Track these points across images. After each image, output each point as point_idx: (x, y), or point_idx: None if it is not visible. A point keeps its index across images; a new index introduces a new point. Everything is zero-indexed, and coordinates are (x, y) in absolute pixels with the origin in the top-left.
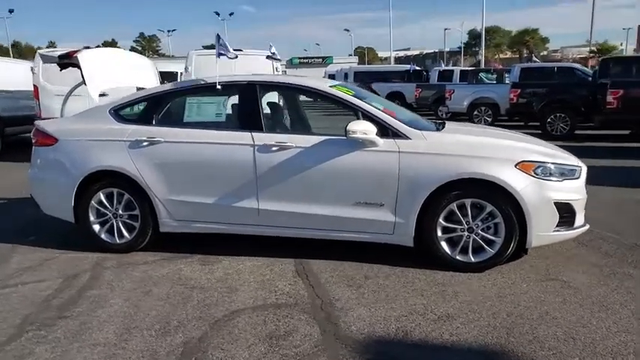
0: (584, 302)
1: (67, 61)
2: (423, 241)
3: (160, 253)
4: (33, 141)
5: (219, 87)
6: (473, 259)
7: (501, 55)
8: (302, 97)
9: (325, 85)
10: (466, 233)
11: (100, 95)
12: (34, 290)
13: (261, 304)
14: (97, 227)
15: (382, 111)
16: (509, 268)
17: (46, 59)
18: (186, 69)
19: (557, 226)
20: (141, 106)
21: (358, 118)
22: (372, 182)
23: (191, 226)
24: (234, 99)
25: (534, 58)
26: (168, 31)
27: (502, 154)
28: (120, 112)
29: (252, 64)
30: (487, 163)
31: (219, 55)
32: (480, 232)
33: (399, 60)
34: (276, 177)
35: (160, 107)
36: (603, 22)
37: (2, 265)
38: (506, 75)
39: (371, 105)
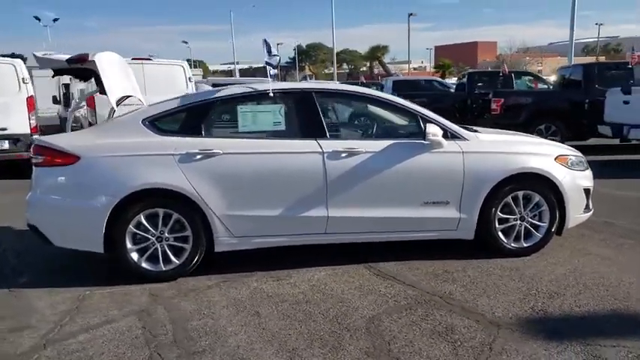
0: (620, 265)
1: (79, 65)
2: (482, 233)
3: (211, 276)
4: (35, 161)
5: (271, 94)
6: (524, 245)
7: (326, 70)
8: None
9: (379, 93)
10: (518, 222)
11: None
12: (115, 332)
13: (388, 307)
14: (135, 255)
15: None
16: (548, 251)
17: (43, 63)
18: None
19: (583, 209)
20: (180, 116)
21: (418, 124)
22: (439, 182)
23: (252, 241)
24: (290, 106)
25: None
26: None
27: (544, 150)
28: (156, 123)
29: (162, 74)
30: (536, 158)
31: (267, 64)
32: (529, 219)
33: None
34: (346, 183)
35: (207, 117)
36: (403, 43)
37: (31, 313)
38: None
39: (428, 111)
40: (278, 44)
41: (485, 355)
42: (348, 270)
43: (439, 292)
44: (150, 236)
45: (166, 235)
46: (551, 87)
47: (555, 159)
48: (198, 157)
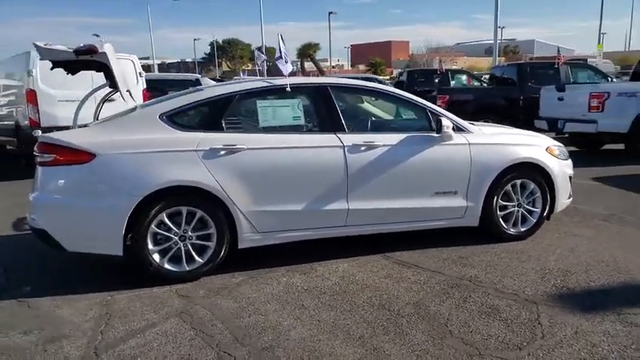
0: (595, 238)
1: (89, 57)
2: (485, 219)
3: (234, 273)
4: (42, 160)
5: (289, 89)
6: (521, 229)
7: (244, 67)
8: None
9: (389, 87)
10: (516, 208)
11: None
12: (166, 335)
13: (426, 292)
14: (157, 256)
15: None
16: (540, 234)
17: (45, 54)
18: (29, 73)
19: (568, 195)
20: (200, 111)
21: (427, 117)
22: (448, 172)
23: (275, 236)
24: (307, 101)
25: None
26: None
27: (537, 142)
28: (175, 119)
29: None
30: (532, 149)
31: (278, 59)
32: (525, 206)
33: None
34: (365, 176)
35: (227, 112)
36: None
37: (59, 322)
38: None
39: (434, 105)
40: (195, 39)
41: (538, 329)
42: (367, 260)
43: (465, 276)
44: (173, 235)
45: (189, 233)
46: (484, 84)
47: (546, 149)
48: (222, 152)
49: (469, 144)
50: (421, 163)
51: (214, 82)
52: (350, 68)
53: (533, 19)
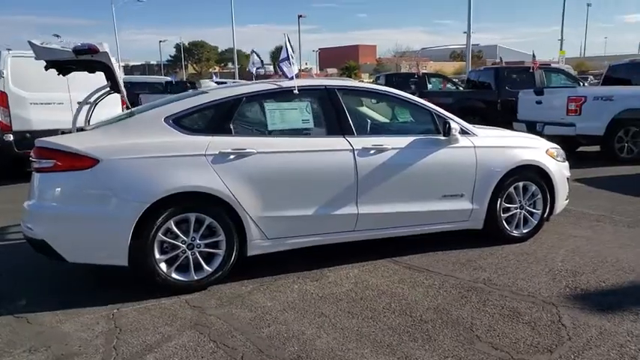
0: (594, 238)
1: (90, 57)
2: (489, 222)
3: (243, 281)
4: (40, 165)
5: (296, 92)
6: (523, 231)
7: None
8: None
9: (395, 90)
10: (518, 210)
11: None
12: (185, 349)
13: (443, 297)
14: (163, 266)
15: None
16: (540, 236)
17: (41, 53)
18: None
19: (566, 196)
20: (207, 114)
21: (434, 120)
22: (456, 175)
23: (285, 243)
24: (315, 103)
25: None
26: None
27: (537, 144)
28: (181, 122)
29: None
30: (533, 151)
31: (283, 60)
32: (527, 207)
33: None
34: (374, 180)
35: (235, 115)
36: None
37: (65, 338)
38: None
39: (440, 109)
40: (160, 41)
41: (563, 331)
42: (376, 265)
43: (478, 279)
44: (180, 244)
45: (198, 241)
46: (460, 88)
47: (546, 152)
48: (232, 157)
49: (474, 147)
50: (429, 166)
51: (216, 85)
52: (319, 72)
53: (494, 24)
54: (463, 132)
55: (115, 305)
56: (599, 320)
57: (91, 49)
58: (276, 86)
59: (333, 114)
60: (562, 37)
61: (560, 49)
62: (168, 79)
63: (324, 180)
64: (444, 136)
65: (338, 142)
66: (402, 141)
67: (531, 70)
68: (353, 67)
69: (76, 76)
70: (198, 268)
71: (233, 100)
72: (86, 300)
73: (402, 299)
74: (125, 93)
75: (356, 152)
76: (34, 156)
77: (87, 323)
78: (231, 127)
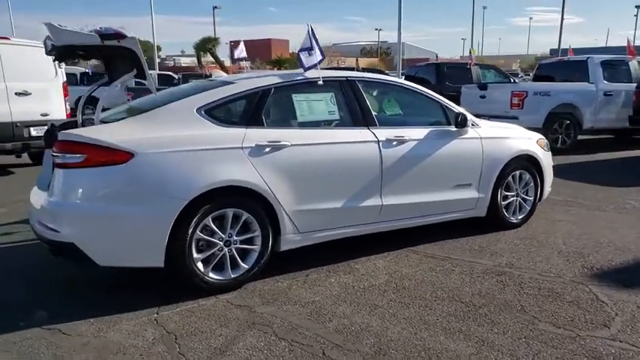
0: (578, 221)
1: (116, 43)
2: (491, 210)
3: (276, 277)
4: (66, 161)
5: (321, 82)
6: (519, 217)
7: None
8: None
9: (408, 82)
10: (515, 198)
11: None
12: (258, 350)
13: (481, 283)
14: (200, 265)
15: None
16: (531, 221)
17: (60, 36)
18: None
19: (550, 184)
20: (238, 105)
21: (444, 112)
22: (465, 165)
23: (314, 236)
24: (339, 95)
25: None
26: None
27: (529, 135)
28: (214, 113)
29: (25, 57)
30: (528, 142)
31: (303, 50)
32: (522, 195)
33: None
34: (397, 171)
35: (266, 106)
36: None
37: (118, 348)
38: None
39: (448, 100)
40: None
41: (606, 307)
42: (398, 255)
43: (501, 264)
44: (217, 241)
45: (234, 237)
46: None
47: (536, 142)
48: (267, 149)
49: (480, 138)
50: (443, 157)
51: (226, 75)
52: (231, 65)
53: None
54: (471, 124)
55: (151, 309)
56: (629, 296)
57: (119, 35)
58: (303, 77)
59: (356, 105)
60: (472, 37)
61: (471, 48)
62: (83, 69)
63: (353, 172)
64: (456, 127)
65: (364, 133)
66: (419, 132)
67: (468, 67)
68: (283, 60)
69: (11, 65)
70: (234, 265)
71: (262, 91)
72: (113, 304)
73: (444, 287)
74: (152, 81)
75: (380, 143)
76: (56, 150)
77: (132, 330)
78: (263, 118)
